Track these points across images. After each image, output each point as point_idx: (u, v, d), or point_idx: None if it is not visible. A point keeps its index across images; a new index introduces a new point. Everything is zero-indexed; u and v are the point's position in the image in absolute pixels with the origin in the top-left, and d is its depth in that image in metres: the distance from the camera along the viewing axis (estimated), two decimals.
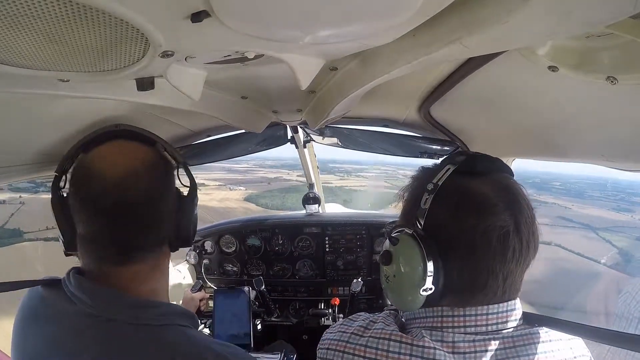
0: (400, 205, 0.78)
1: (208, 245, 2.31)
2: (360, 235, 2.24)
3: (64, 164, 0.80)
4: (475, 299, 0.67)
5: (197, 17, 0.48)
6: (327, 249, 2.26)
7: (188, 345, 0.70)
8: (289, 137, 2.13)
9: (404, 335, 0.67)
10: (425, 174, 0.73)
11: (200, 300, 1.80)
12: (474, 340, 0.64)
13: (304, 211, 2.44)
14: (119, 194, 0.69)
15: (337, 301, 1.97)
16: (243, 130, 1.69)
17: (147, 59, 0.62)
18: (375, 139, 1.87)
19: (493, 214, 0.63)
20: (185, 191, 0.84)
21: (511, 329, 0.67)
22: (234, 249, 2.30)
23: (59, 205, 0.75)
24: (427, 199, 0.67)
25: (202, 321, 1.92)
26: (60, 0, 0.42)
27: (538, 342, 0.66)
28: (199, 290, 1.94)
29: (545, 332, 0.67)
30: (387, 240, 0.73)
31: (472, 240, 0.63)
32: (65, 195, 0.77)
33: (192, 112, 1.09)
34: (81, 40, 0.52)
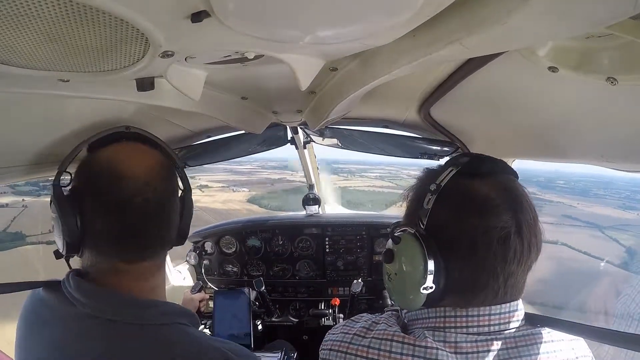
0: (404, 205, 0.79)
1: (208, 246, 2.30)
2: (360, 236, 2.24)
3: (69, 163, 0.82)
4: (477, 299, 0.67)
5: (197, 17, 0.48)
6: (327, 250, 2.26)
7: (189, 343, 0.70)
8: (288, 138, 2.13)
9: (407, 335, 0.67)
10: (429, 175, 0.74)
11: (200, 301, 1.80)
12: (476, 341, 0.65)
13: (304, 212, 2.44)
14: (146, 194, 0.72)
15: (337, 301, 1.97)
16: (243, 131, 1.69)
17: (147, 59, 0.62)
18: (375, 140, 1.87)
19: (494, 214, 0.64)
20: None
21: (513, 330, 0.67)
22: (234, 249, 2.30)
23: (68, 204, 0.74)
24: (429, 199, 0.68)
25: (202, 322, 1.91)
26: (60, 0, 0.42)
27: (540, 343, 0.66)
28: (199, 291, 1.94)
29: (547, 333, 0.68)
30: (390, 239, 0.73)
31: (473, 241, 0.64)
32: (73, 194, 0.76)
33: (192, 112, 1.09)
34: (81, 40, 0.52)
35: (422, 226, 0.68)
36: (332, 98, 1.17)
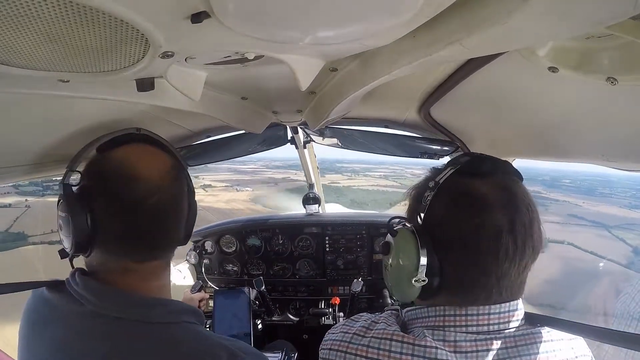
0: (407, 202, 0.81)
1: (208, 245, 2.31)
2: (360, 235, 2.24)
3: (78, 162, 0.83)
4: (471, 297, 0.67)
5: (197, 17, 0.48)
6: (327, 249, 2.26)
7: (196, 341, 0.70)
8: (289, 138, 2.13)
9: (406, 335, 0.67)
10: (432, 174, 0.76)
11: (200, 301, 1.80)
12: (475, 340, 0.65)
13: (304, 211, 2.44)
14: (158, 196, 0.74)
15: (337, 300, 1.97)
16: (243, 131, 1.69)
17: (147, 59, 0.62)
18: (375, 140, 1.87)
19: (487, 212, 0.65)
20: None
21: (513, 329, 0.68)
22: (234, 248, 2.30)
23: (78, 203, 0.74)
24: (427, 195, 0.70)
25: None
26: (60, 0, 0.42)
27: (540, 342, 0.66)
28: (199, 290, 1.94)
29: (547, 332, 0.68)
30: (389, 233, 0.77)
31: (464, 237, 0.65)
32: (83, 193, 0.76)
33: (192, 112, 1.09)
34: (81, 40, 0.52)
35: (419, 221, 0.71)
36: (332, 98, 1.17)
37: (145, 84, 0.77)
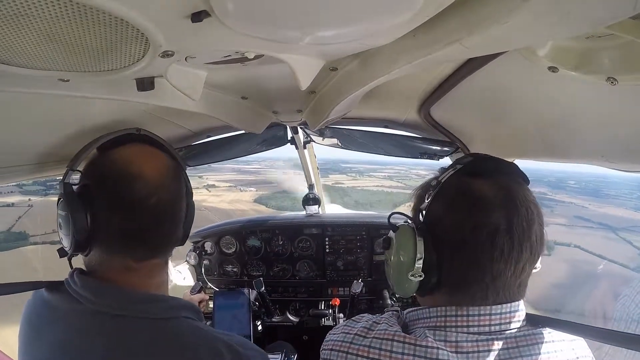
0: (412, 202, 0.83)
1: (208, 246, 2.30)
2: (360, 236, 2.24)
3: (79, 162, 0.84)
4: (467, 297, 0.68)
5: (197, 17, 0.48)
6: (327, 250, 2.26)
7: (196, 336, 0.71)
8: (288, 138, 2.12)
9: (407, 335, 0.67)
10: (436, 173, 0.77)
11: (200, 302, 1.80)
12: (477, 340, 0.65)
13: (304, 212, 2.44)
14: (159, 195, 0.75)
15: (337, 301, 1.97)
16: (243, 131, 1.69)
17: (147, 59, 0.62)
18: (375, 140, 1.87)
19: (485, 211, 0.65)
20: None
21: (515, 330, 0.68)
22: (234, 249, 2.30)
23: (79, 202, 0.74)
24: (429, 194, 0.72)
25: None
26: (60, 0, 0.42)
27: (541, 343, 0.66)
28: (199, 291, 1.94)
29: (548, 333, 0.68)
30: (390, 228, 0.79)
31: (462, 235, 0.66)
32: (83, 192, 0.76)
33: (192, 112, 1.09)
34: (81, 39, 0.52)
35: (420, 218, 0.73)
36: (332, 98, 1.17)
37: (146, 84, 0.77)
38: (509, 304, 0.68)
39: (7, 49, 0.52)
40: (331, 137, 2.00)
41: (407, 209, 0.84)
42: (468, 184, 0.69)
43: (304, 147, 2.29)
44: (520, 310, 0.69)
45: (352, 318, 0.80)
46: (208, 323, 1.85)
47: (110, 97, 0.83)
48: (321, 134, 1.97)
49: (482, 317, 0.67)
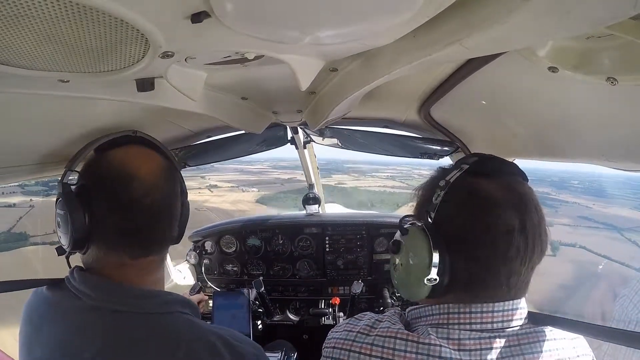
0: (415, 201, 0.81)
1: (208, 246, 2.31)
2: (360, 235, 2.24)
3: (77, 162, 0.87)
4: (480, 295, 0.68)
5: (197, 17, 0.48)
6: (327, 249, 2.26)
7: (190, 331, 0.73)
8: (289, 138, 2.13)
9: (410, 333, 0.67)
10: (440, 173, 0.76)
11: (199, 303, 1.80)
12: (479, 338, 0.65)
13: (304, 211, 2.44)
14: (155, 195, 0.78)
15: (337, 300, 1.97)
16: (243, 131, 1.69)
17: (147, 59, 0.62)
18: (375, 140, 1.87)
19: (497, 212, 0.66)
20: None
21: (517, 327, 0.68)
22: (234, 249, 2.30)
23: (77, 201, 0.77)
24: (438, 194, 0.70)
25: None
26: (60, 0, 0.42)
27: (542, 341, 0.67)
28: (198, 292, 1.94)
29: (549, 331, 0.69)
30: (399, 231, 0.76)
31: (476, 236, 0.66)
32: (81, 192, 0.78)
33: (192, 112, 1.09)
34: (81, 40, 0.52)
35: (429, 220, 0.71)
36: (332, 98, 1.17)
37: (146, 84, 0.77)
38: (511, 302, 0.68)
39: (7, 49, 0.52)
40: (331, 137, 2.00)
41: (410, 209, 0.84)
42: (478, 184, 0.69)
43: (304, 147, 2.29)
44: (522, 307, 0.70)
45: (355, 316, 0.80)
46: (207, 323, 1.85)
47: (111, 97, 0.83)
48: (321, 134, 1.97)
49: (484, 314, 0.67)
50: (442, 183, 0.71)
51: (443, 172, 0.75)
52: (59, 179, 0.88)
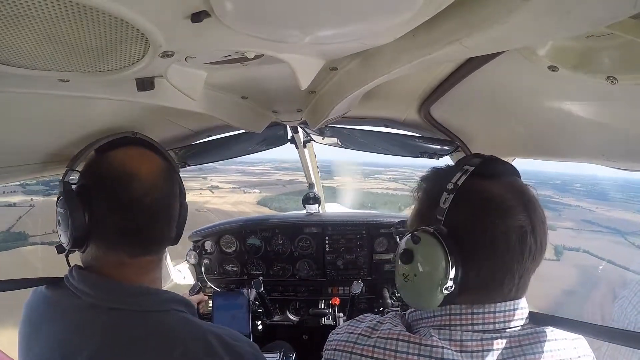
0: (415, 205, 0.79)
1: (208, 245, 2.31)
2: (360, 235, 2.24)
3: (78, 162, 0.89)
4: (491, 297, 0.68)
5: (197, 17, 0.48)
6: (327, 249, 2.26)
7: (187, 329, 0.73)
8: (289, 137, 2.12)
9: (412, 335, 0.67)
10: (440, 175, 0.75)
11: (199, 303, 1.80)
12: (481, 339, 0.65)
13: (304, 211, 2.44)
14: (154, 194, 0.79)
15: (337, 301, 1.97)
16: (243, 131, 1.69)
17: (147, 59, 0.62)
18: (375, 139, 1.87)
19: (512, 214, 0.66)
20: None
21: (518, 328, 0.68)
22: (234, 249, 2.30)
23: (77, 200, 0.78)
24: (446, 198, 0.68)
25: None
26: (60, 0, 0.42)
27: (544, 341, 0.67)
28: (197, 292, 1.94)
29: (550, 332, 0.69)
30: (406, 239, 0.72)
31: (493, 240, 0.65)
32: (81, 191, 0.80)
33: (192, 112, 1.09)
34: (81, 40, 0.52)
35: (440, 225, 0.68)
36: (332, 97, 1.16)
37: (146, 84, 0.77)
38: (512, 302, 0.68)
39: (8, 49, 0.52)
40: (331, 136, 1.99)
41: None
42: (489, 187, 0.68)
43: (304, 147, 2.29)
44: (523, 307, 0.70)
45: (356, 318, 0.80)
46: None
47: (111, 97, 0.83)
48: (321, 133, 1.97)
49: (486, 315, 0.67)
50: (450, 186, 0.68)
51: (443, 173, 0.74)
52: (60, 178, 0.89)
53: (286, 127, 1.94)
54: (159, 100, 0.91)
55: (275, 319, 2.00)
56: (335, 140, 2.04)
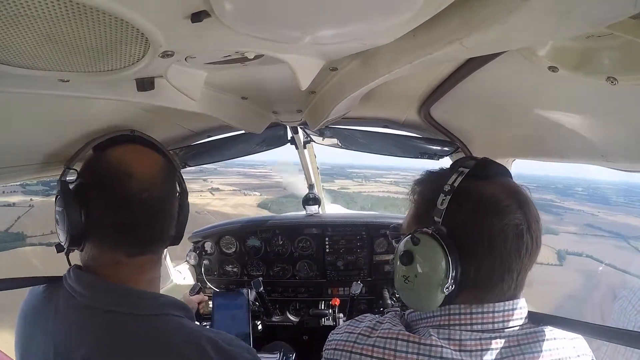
0: (411, 207, 0.80)
1: (208, 246, 2.30)
2: (360, 236, 2.24)
3: (76, 161, 0.89)
4: (489, 296, 0.68)
5: (197, 17, 0.48)
6: (327, 250, 2.26)
7: (181, 334, 0.72)
8: (288, 138, 2.12)
9: (411, 334, 0.68)
10: (435, 178, 0.76)
11: (199, 303, 1.80)
12: (480, 339, 0.66)
13: (304, 212, 2.44)
14: (151, 191, 0.78)
15: (337, 301, 1.97)
16: (243, 131, 1.69)
17: (147, 59, 0.62)
18: (375, 140, 1.87)
19: (508, 213, 0.67)
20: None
21: (517, 328, 0.69)
22: (234, 249, 2.30)
23: (74, 199, 0.78)
24: (443, 200, 0.69)
25: (201, 323, 1.91)
26: (60, 0, 0.42)
27: (542, 341, 0.67)
28: (197, 292, 1.94)
29: (549, 331, 0.69)
30: (405, 240, 0.72)
31: (491, 239, 0.66)
32: (79, 190, 0.80)
33: (192, 112, 1.09)
34: (81, 40, 0.52)
35: (439, 226, 0.69)
36: (332, 98, 1.17)
37: (146, 84, 0.77)
38: (511, 302, 0.69)
39: (8, 49, 0.52)
40: (331, 137, 1.99)
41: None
42: (480, 187, 0.70)
43: (304, 147, 2.29)
44: (522, 307, 0.70)
45: (355, 318, 0.80)
46: (207, 324, 1.85)
47: (111, 97, 0.83)
48: (321, 133, 1.97)
49: (485, 315, 0.68)
50: (446, 188, 0.69)
51: (438, 176, 0.75)
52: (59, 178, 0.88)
53: (286, 127, 1.94)
54: (159, 100, 0.91)
55: (275, 320, 2.00)
56: (335, 140, 2.04)
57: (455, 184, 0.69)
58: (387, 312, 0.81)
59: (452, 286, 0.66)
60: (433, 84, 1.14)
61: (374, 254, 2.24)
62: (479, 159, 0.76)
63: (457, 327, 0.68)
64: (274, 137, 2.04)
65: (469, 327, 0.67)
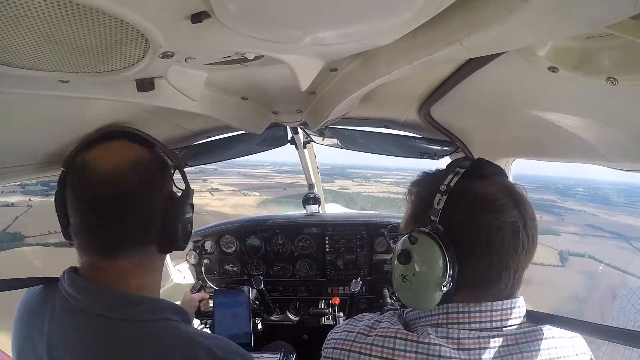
0: (409, 207, 0.81)
1: (208, 245, 2.31)
2: (360, 235, 2.24)
3: (67, 161, 0.83)
4: (487, 294, 0.69)
5: (197, 18, 0.48)
6: (327, 249, 2.26)
7: (174, 339, 0.71)
8: (289, 138, 2.13)
9: (410, 333, 0.68)
10: (432, 178, 0.77)
11: (200, 301, 1.80)
12: (478, 337, 0.66)
13: (304, 211, 2.44)
14: (110, 188, 0.72)
15: (337, 301, 1.97)
16: (243, 131, 1.69)
17: (147, 59, 0.62)
18: (375, 140, 1.87)
19: (504, 211, 0.67)
20: (179, 193, 0.86)
21: (515, 326, 0.69)
22: (234, 249, 2.30)
23: (59, 199, 0.78)
24: (440, 199, 0.69)
25: (203, 321, 1.92)
26: (60, 0, 0.42)
27: (540, 340, 0.68)
28: (199, 290, 1.94)
29: (548, 330, 0.69)
30: (403, 240, 0.72)
31: (488, 237, 0.66)
32: (61, 190, 0.79)
33: (192, 112, 1.09)
34: (81, 41, 0.52)
35: (437, 225, 0.69)
36: (332, 98, 1.17)
37: (146, 84, 0.77)
38: (509, 300, 0.69)
39: (8, 50, 0.52)
40: (331, 137, 1.99)
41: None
42: (480, 187, 0.70)
43: (304, 147, 2.29)
44: (520, 306, 0.70)
45: (354, 317, 0.80)
46: (209, 322, 1.86)
47: (111, 98, 0.83)
48: (321, 134, 1.97)
49: (483, 314, 0.68)
50: (443, 188, 0.70)
51: (433, 177, 0.76)
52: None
53: (286, 127, 1.94)
54: (159, 101, 0.91)
55: (275, 319, 2.00)
56: (335, 141, 2.04)
57: (452, 184, 0.70)
58: (386, 311, 0.81)
59: (449, 284, 0.66)
60: (433, 85, 1.14)
61: (374, 253, 2.24)
62: (475, 159, 0.77)
63: (455, 326, 0.68)
64: (274, 137, 2.04)
65: (467, 326, 0.68)
